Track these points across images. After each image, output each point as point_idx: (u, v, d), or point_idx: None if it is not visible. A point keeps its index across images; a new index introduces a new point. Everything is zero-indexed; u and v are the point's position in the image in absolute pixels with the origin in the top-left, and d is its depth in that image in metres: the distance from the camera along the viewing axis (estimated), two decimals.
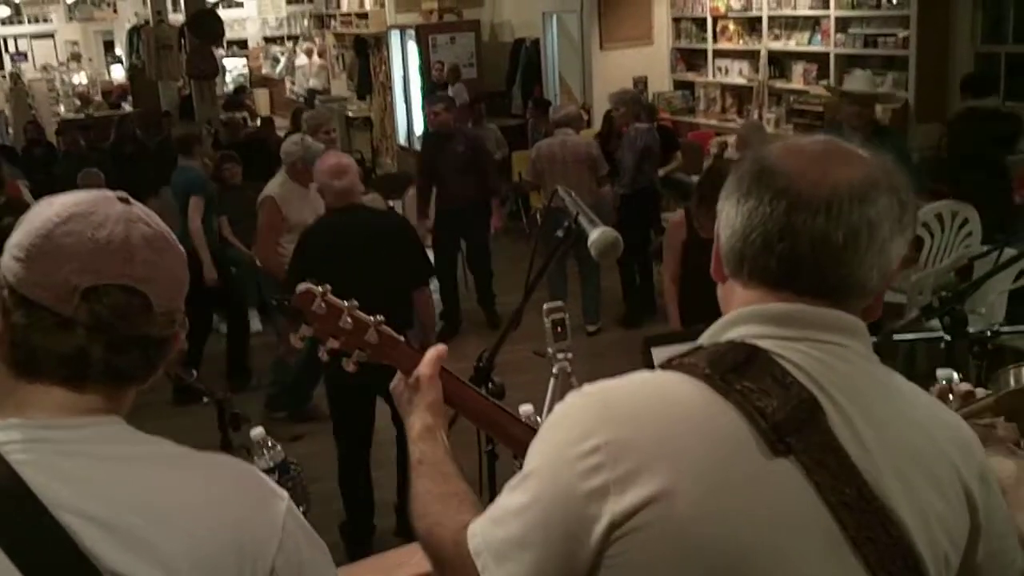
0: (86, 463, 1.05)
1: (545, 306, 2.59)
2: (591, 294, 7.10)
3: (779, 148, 1.13)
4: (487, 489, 2.01)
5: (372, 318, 1.47)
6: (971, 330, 2.47)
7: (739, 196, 1.11)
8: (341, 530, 4.33)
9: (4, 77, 17.81)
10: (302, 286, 1.45)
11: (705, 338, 1.13)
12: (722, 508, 0.99)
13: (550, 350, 2.63)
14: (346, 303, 1.46)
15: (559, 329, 2.59)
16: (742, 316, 1.11)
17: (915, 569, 1.02)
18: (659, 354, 2.38)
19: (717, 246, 1.17)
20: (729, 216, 1.13)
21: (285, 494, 1.13)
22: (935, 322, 2.60)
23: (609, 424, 1.03)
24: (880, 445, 1.05)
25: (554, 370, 2.66)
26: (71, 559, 0.99)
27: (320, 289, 1.44)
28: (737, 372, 1.04)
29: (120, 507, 1.02)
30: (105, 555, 1.00)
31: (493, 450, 2.02)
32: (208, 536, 1.04)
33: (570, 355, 2.66)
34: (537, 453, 1.09)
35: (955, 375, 1.92)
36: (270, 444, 1.99)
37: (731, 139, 8.02)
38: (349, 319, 1.45)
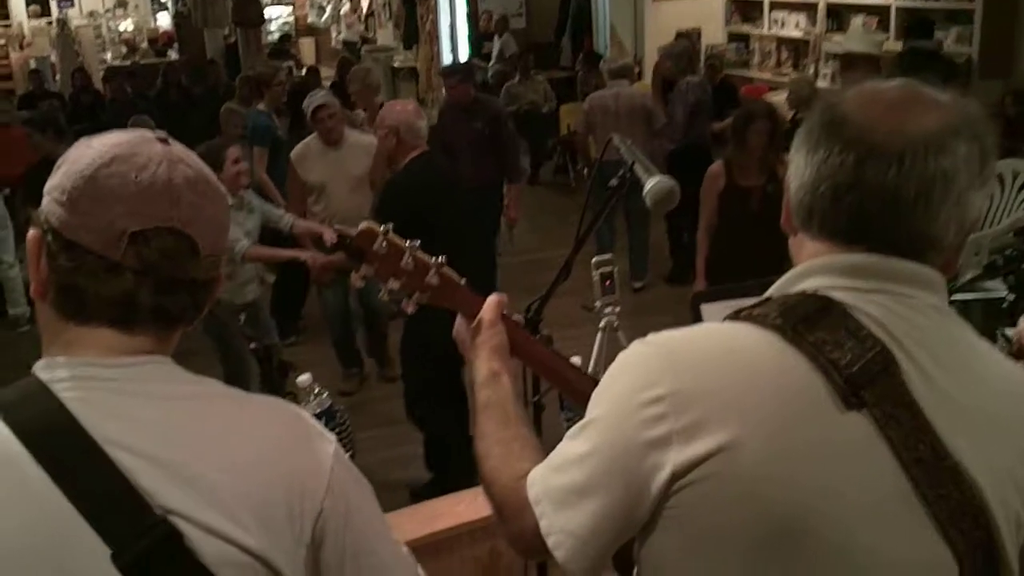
0: (136, 401, 1.04)
1: (594, 259, 2.56)
2: (639, 249, 7.04)
3: (853, 95, 1.08)
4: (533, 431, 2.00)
5: (434, 259, 1.44)
6: None
7: (809, 147, 1.08)
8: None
9: (51, 23, 17.92)
10: (363, 224, 1.42)
11: (774, 290, 1.10)
12: (790, 463, 0.97)
13: (598, 304, 2.61)
14: (408, 243, 1.43)
15: (607, 283, 2.56)
16: (813, 267, 1.07)
17: (985, 528, 1.00)
18: (709, 310, 2.34)
19: (787, 198, 1.12)
20: (799, 167, 1.09)
21: (333, 437, 1.13)
22: (988, 283, 2.54)
23: (674, 374, 1.01)
24: (954, 401, 1.02)
25: (601, 324, 2.64)
26: (124, 494, 0.98)
27: (383, 228, 1.42)
28: (809, 323, 1.01)
29: (171, 445, 1.02)
30: (157, 491, 0.99)
31: (539, 401, 2.00)
32: (258, 475, 1.03)
33: (618, 309, 2.64)
34: (599, 401, 1.08)
35: None
36: (317, 390, 1.99)
37: (782, 96, 7.85)
38: (411, 259, 1.42)
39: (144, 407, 1.04)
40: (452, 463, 4.20)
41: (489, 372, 1.38)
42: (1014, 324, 2.14)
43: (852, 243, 1.05)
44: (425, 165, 4.10)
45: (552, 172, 10.96)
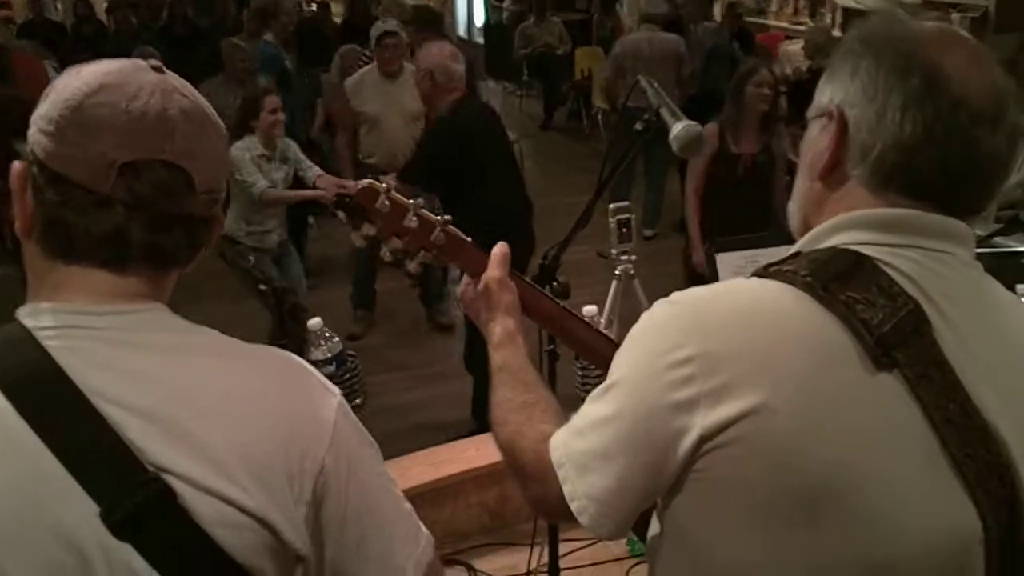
0: (127, 352, 0.99)
1: (611, 206, 2.53)
2: (654, 198, 6.99)
3: (934, 41, 1.02)
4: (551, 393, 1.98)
5: (439, 217, 1.40)
6: None
7: (908, 100, 1.00)
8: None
9: None
10: (364, 182, 1.38)
11: (803, 244, 1.07)
12: (820, 425, 0.95)
13: (614, 251, 2.58)
14: (411, 201, 1.39)
15: (624, 230, 2.54)
16: (845, 222, 1.04)
17: (1011, 485, 0.99)
18: (724, 260, 2.31)
19: (837, 141, 1.06)
20: (891, 118, 1.01)
21: (337, 390, 1.09)
22: (998, 239, 2.51)
23: (702, 334, 0.98)
24: (984, 358, 1.00)
25: (617, 272, 2.62)
26: (114, 450, 0.93)
27: (384, 185, 1.38)
28: (841, 281, 0.98)
29: (164, 399, 0.97)
30: (148, 448, 0.94)
31: (555, 350, 1.97)
32: (256, 430, 0.99)
33: (634, 257, 2.61)
34: (623, 363, 1.05)
35: None
36: (327, 335, 1.96)
37: (798, 45, 7.71)
38: (415, 218, 1.38)
39: (136, 358, 0.99)
40: None
41: (504, 332, 1.35)
42: None
43: (934, 204, 1.02)
44: (474, 106, 4.11)
45: (566, 117, 10.87)
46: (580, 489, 1.04)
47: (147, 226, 1.01)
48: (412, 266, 1.33)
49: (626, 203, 2.56)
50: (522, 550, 2.96)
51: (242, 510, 0.96)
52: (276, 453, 0.99)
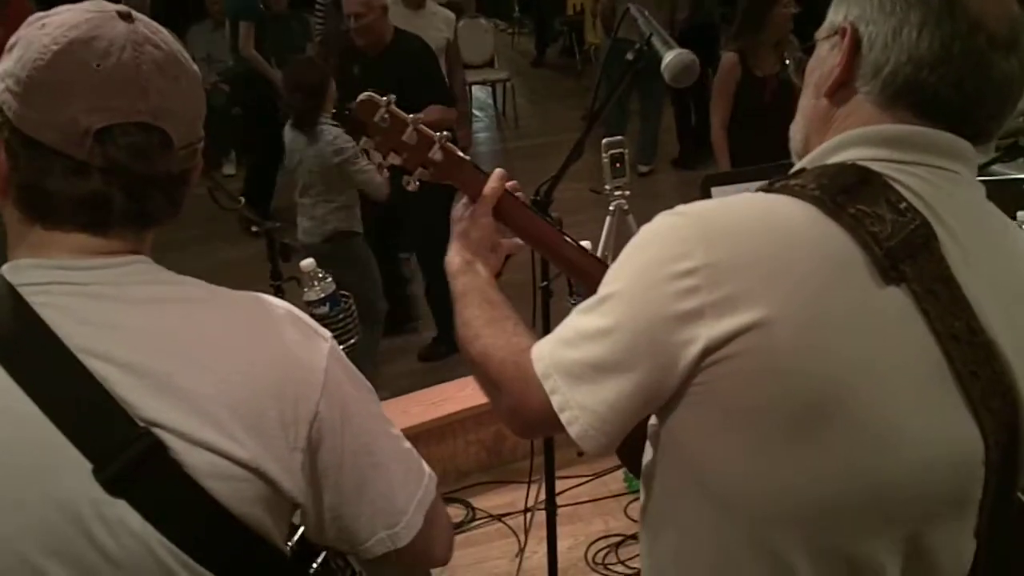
0: (114, 307, 0.97)
1: (604, 141, 2.50)
2: (650, 132, 6.94)
3: None
4: (541, 327, 1.97)
5: (438, 134, 1.38)
6: None
7: (926, 19, 0.99)
8: None
9: None
10: (364, 95, 1.35)
11: (809, 161, 1.06)
12: (825, 339, 0.94)
13: (607, 187, 2.56)
14: (411, 116, 1.36)
15: (617, 165, 2.51)
16: (851, 139, 1.03)
17: (1013, 405, 0.99)
18: (719, 194, 2.29)
19: (849, 57, 1.05)
20: (907, 35, 1.01)
21: (328, 334, 1.06)
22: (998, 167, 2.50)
23: (708, 245, 0.96)
24: (989, 277, 1.00)
25: (611, 207, 2.59)
26: (103, 406, 0.92)
27: (385, 99, 1.35)
28: (849, 195, 0.97)
29: (152, 352, 0.95)
30: (138, 402, 0.93)
31: (548, 286, 1.96)
32: (247, 383, 0.97)
33: (627, 192, 2.59)
34: (621, 274, 1.02)
35: None
36: (321, 275, 1.95)
37: None
38: (414, 133, 1.36)
39: (123, 313, 0.96)
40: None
41: (463, 262, 1.34)
42: None
43: (945, 124, 1.01)
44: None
45: (558, 53, 10.75)
46: (574, 400, 1.02)
47: (127, 191, 0.98)
48: (411, 184, 1.31)
49: (619, 137, 2.52)
50: (520, 488, 2.99)
51: (235, 461, 0.94)
52: (268, 402, 0.97)
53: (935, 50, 0.99)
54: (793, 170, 1.05)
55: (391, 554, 1.06)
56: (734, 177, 2.44)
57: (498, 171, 1.40)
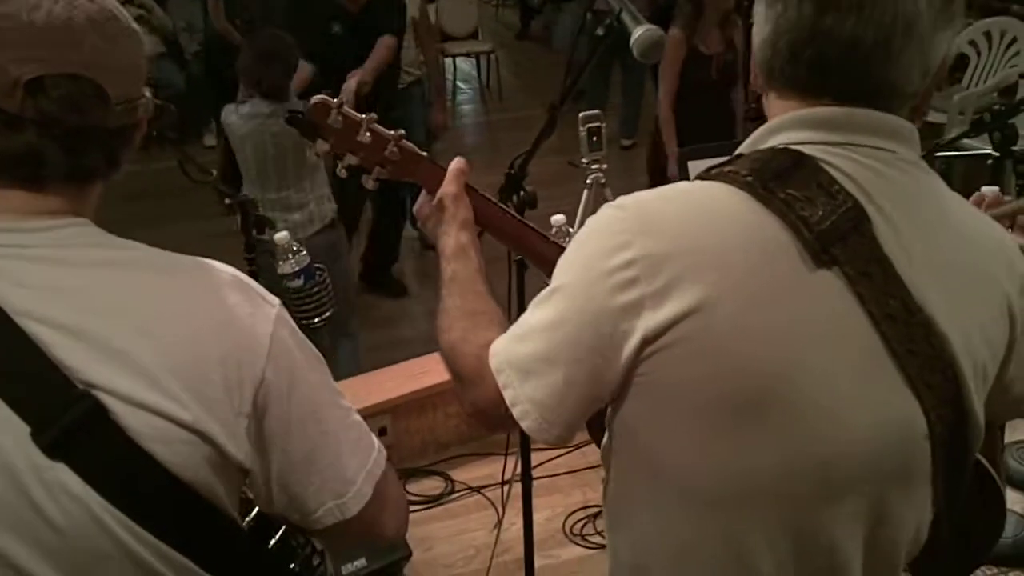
0: (53, 268, 0.96)
1: (581, 114, 2.50)
2: (632, 106, 6.93)
3: None
4: (516, 300, 1.98)
5: (393, 132, 1.38)
6: (1016, 149, 2.38)
7: (768, 1, 1.04)
8: None
9: None
10: (316, 97, 1.36)
11: (746, 146, 1.07)
12: (760, 322, 0.96)
13: (584, 160, 2.56)
14: (364, 116, 1.37)
15: (594, 138, 2.52)
16: (783, 123, 1.04)
17: (954, 381, 1.00)
18: (696, 168, 2.30)
19: (753, 56, 1.09)
20: (759, 22, 1.06)
21: (276, 301, 1.06)
22: (968, 141, 2.51)
23: (644, 236, 0.98)
24: (926, 256, 1.01)
25: (587, 180, 2.60)
26: (41, 371, 0.92)
27: (336, 101, 1.35)
28: (781, 180, 0.98)
29: (93, 315, 0.95)
30: (77, 365, 0.93)
31: (523, 260, 1.97)
32: (190, 347, 0.97)
33: (604, 166, 2.59)
34: (567, 268, 1.05)
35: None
36: (295, 248, 1.94)
37: None
38: (368, 133, 1.37)
39: (63, 276, 0.96)
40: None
41: (457, 246, 1.34)
42: (996, 183, 2.13)
43: (815, 96, 1.02)
44: None
45: (542, 26, 10.68)
46: (523, 393, 1.04)
47: (62, 145, 0.97)
48: (369, 183, 1.31)
49: (596, 111, 2.53)
50: (499, 460, 3.00)
51: (178, 423, 0.95)
52: (211, 365, 0.97)
53: (768, 31, 1.02)
54: (731, 156, 1.06)
55: (341, 525, 1.06)
56: (711, 151, 2.45)
57: (458, 158, 1.41)
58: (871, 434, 0.99)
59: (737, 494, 1.00)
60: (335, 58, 4.21)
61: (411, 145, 1.41)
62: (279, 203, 3.77)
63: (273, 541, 1.15)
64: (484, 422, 1.15)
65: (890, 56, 0.97)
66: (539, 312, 1.05)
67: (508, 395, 1.05)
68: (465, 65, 8.95)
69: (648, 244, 0.97)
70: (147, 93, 1.05)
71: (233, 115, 3.70)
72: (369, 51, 4.23)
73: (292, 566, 1.16)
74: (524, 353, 1.05)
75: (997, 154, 2.33)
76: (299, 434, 1.03)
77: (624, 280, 0.97)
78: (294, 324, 1.07)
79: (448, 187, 1.38)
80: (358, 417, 1.12)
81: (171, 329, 0.97)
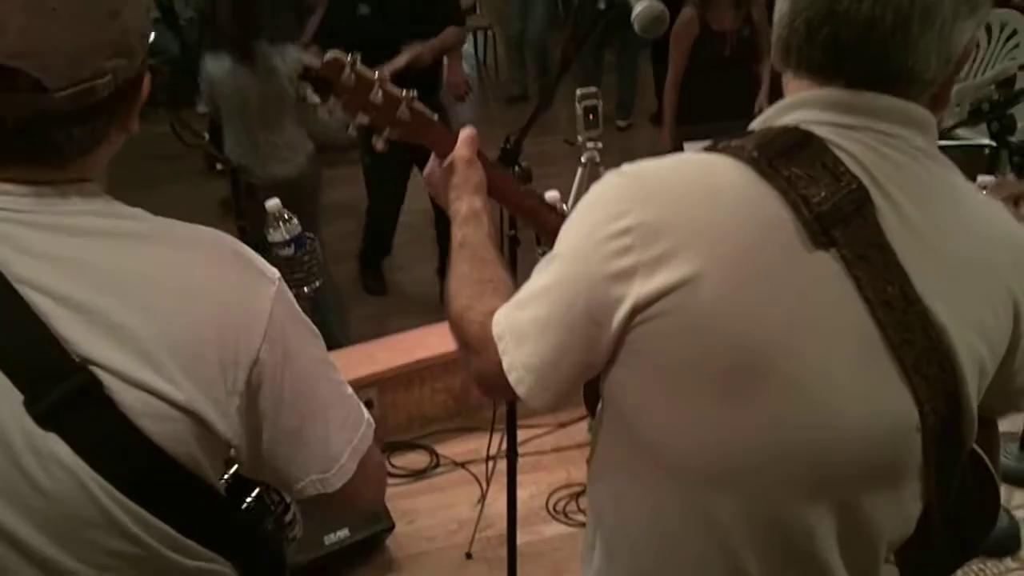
0: (54, 237, 0.93)
1: (578, 91, 2.48)
2: (627, 86, 6.90)
3: None
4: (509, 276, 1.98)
5: (404, 93, 1.37)
6: (1013, 140, 2.38)
7: None
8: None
9: None
10: (330, 54, 1.34)
11: (758, 123, 1.05)
12: (751, 299, 0.95)
13: (580, 138, 2.55)
14: (377, 74, 1.35)
15: (591, 116, 2.50)
16: (797, 102, 1.03)
17: (950, 374, 0.99)
18: (691, 149, 2.29)
19: (772, 33, 1.07)
20: (777, 1, 1.03)
21: (276, 274, 1.04)
22: (963, 132, 2.51)
23: (644, 205, 0.97)
24: (930, 245, 0.99)
25: (583, 159, 2.59)
26: (39, 339, 0.90)
27: (350, 58, 1.33)
28: (786, 157, 0.97)
29: (92, 287, 0.93)
30: (75, 338, 0.91)
31: (516, 235, 1.96)
32: (187, 321, 0.95)
33: (600, 145, 2.58)
34: (567, 234, 1.04)
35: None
36: (286, 216, 1.93)
37: None
38: (380, 93, 1.35)
39: (63, 244, 0.93)
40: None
41: (470, 210, 1.33)
42: (991, 173, 2.12)
43: (829, 78, 1.00)
44: None
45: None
46: (518, 360, 1.04)
47: (15, 130, 0.91)
48: (379, 143, 1.30)
49: (593, 89, 2.51)
50: (484, 436, 3.01)
51: (171, 403, 0.94)
52: (208, 344, 0.96)
53: (787, 6, 1.00)
54: (742, 132, 1.04)
55: (321, 498, 1.07)
56: (710, 132, 2.43)
57: (468, 126, 1.40)
58: (861, 423, 0.97)
59: (714, 471, 1.00)
60: (361, 42, 4.11)
61: (423, 107, 1.39)
62: (261, 147, 3.78)
63: (249, 499, 1.15)
64: (488, 390, 1.14)
65: (908, 41, 0.96)
66: (539, 278, 1.05)
67: (505, 362, 1.05)
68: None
69: (646, 213, 0.96)
70: (118, 64, 0.95)
71: (212, 61, 3.67)
72: (398, 35, 4.09)
73: (266, 523, 1.17)
74: (522, 319, 1.05)
75: (994, 144, 2.33)
76: (289, 411, 1.03)
77: (620, 247, 0.96)
78: (291, 297, 1.06)
79: (461, 151, 1.37)
80: (349, 391, 1.11)
81: (170, 307, 0.95)
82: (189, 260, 0.99)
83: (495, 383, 1.07)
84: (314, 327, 1.08)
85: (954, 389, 0.99)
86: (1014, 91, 2.47)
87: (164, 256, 0.98)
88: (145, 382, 0.92)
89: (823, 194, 0.95)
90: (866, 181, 0.97)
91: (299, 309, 1.06)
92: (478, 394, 3.48)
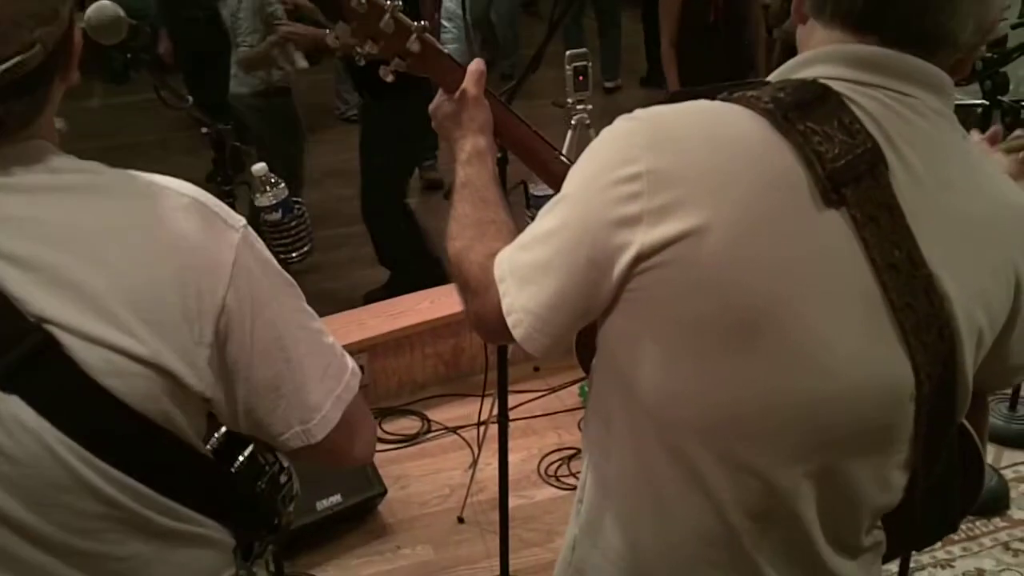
0: (2, 197, 0.91)
1: (568, 53, 2.46)
2: (610, 47, 6.88)
3: None
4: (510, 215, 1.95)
5: (415, 23, 1.33)
6: (1005, 99, 2.37)
7: None
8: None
9: None
10: None
11: (776, 75, 1.03)
12: (757, 252, 0.93)
13: (570, 100, 2.53)
14: (390, 2, 1.31)
15: (580, 78, 2.48)
16: (820, 55, 1.00)
17: (949, 340, 0.98)
18: None
19: None
20: None
21: (241, 221, 1.01)
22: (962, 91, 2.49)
23: (654, 151, 0.95)
24: (940, 210, 0.98)
25: (572, 121, 2.57)
26: None
27: None
28: (801, 111, 0.95)
29: (42, 244, 0.90)
30: (28, 298, 0.88)
31: (504, 156, 1.90)
32: (144, 273, 0.93)
33: (590, 107, 2.56)
34: (576, 176, 1.02)
35: None
36: (273, 181, 1.90)
37: None
38: (391, 20, 1.31)
39: (11, 203, 0.91)
40: (399, 266, 4.17)
41: (474, 149, 1.30)
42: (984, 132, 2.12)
43: (865, 31, 0.98)
44: None
45: None
46: (518, 302, 1.02)
47: None
48: (387, 75, 1.27)
49: (583, 50, 2.49)
50: (475, 401, 3.02)
51: (133, 358, 0.91)
52: (168, 295, 0.93)
53: None
54: (759, 81, 1.02)
55: (307, 450, 1.05)
56: (702, 94, 2.42)
57: (477, 59, 1.36)
58: (857, 385, 0.96)
59: (705, 424, 0.99)
60: None
61: (433, 39, 1.35)
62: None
63: (241, 459, 1.13)
64: (485, 333, 1.13)
65: (953, 2, 0.94)
66: (544, 221, 1.03)
67: (505, 304, 1.03)
68: (450, 3, 8.78)
69: (656, 160, 0.94)
70: (44, 32, 0.91)
71: None
72: None
73: (259, 484, 1.15)
74: (525, 261, 1.03)
75: (987, 103, 2.32)
76: (263, 362, 1.00)
77: (627, 193, 0.94)
78: (261, 245, 1.03)
79: (469, 87, 1.33)
80: (331, 340, 1.08)
81: (125, 258, 0.92)
82: (145, 210, 0.96)
83: (494, 326, 1.05)
84: (287, 275, 1.04)
85: (951, 357, 0.98)
86: (1006, 49, 2.45)
87: (118, 207, 0.95)
88: (104, 338, 0.90)
89: (837, 151, 0.93)
90: (880, 140, 0.95)
91: (270, 257, 1.03)
92: (469, 359, 3.50)
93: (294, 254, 1.89)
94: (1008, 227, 1.02)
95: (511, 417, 2.39)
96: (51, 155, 0.95)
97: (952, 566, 2.59)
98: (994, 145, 1.60)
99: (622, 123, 0.99)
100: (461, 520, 2.78)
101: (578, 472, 2.82)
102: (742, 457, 0.99)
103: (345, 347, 1.10)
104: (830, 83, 0.97)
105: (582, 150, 1.05)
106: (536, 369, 3.35)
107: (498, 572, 2.42)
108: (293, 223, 1.89)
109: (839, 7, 0.98)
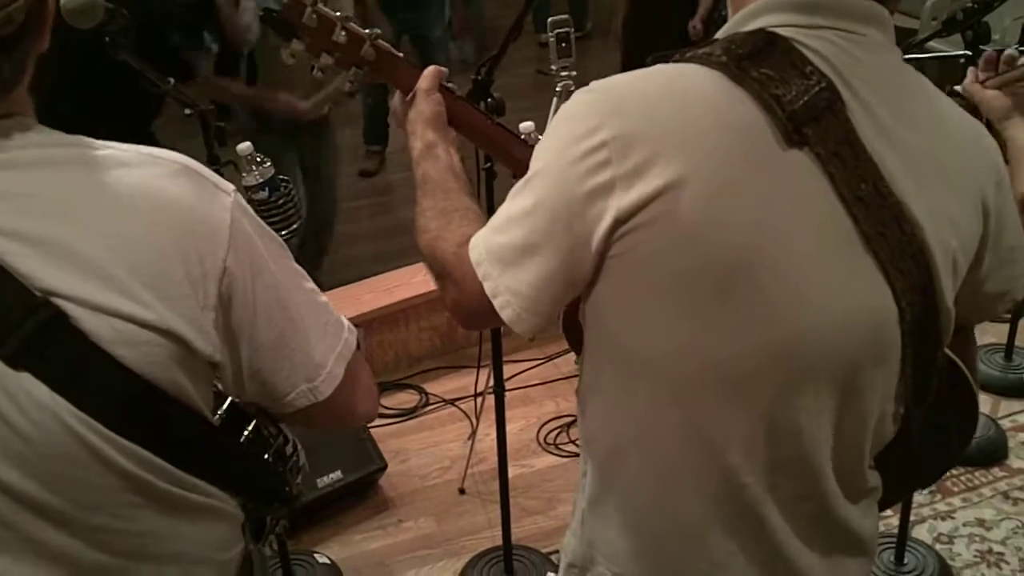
0: None
1: (550, 19, 2.44)
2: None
3: None
4: (485, 208, 1.96)
5: (367, 31, 1.34)
6: (988, 48, 2.36)
7: None
8: None
9: None
10: None
11: (723, 32, 1.04)
12: (732, 201, 0.94)
13: (554, 67, 2.51)
14: (338, 14, 1.32)
15: (563, 44, 2.46)
16: (764, 6, 1.02)
17: (925, 267, 1.00)
18: None
19: None
20: None
21: (230, 187, 1.02)
22: (937, 44, 2.49)
23: (617, 117, 0.96)
24: (900, 141, 1.00)
25: (557, 88, 2.55)
26: None
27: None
28: (754, 59, 0.96)
29: (44, 220, 0.90)
30: (34, 273, 0.89)
31: (492, 167, 1.94)
32: (145, 240, 0.93)
33: (574, 73, 2.54)
34: (542, 154, 1.02)
35: None
36: (259, 159, 1.90)
37: None
38: (343, 32, 1.32)
39: (8, 180, 0.91)
40: None
41: (424, 145, 1.31)
42: None
43: None
44: None
45: None
46: (502, 284, 1.02)
47: None
48: (345, 85, 1.28)
49: (565, 16, 2.47)
50: (471, 373, 3.02)
51: (142, 324, 0.92)
52: (172, 260, 0.94)
53: None
54: (708, 40, 1.03)
55: (314, 408, 1.06)
56: (677, 57, 2.42)
57: (433, 66, 1.37)
58: (842, 319, 0.98)
59: (702, 379, 1.00)
60: None
61: (386, 45, 1.36)
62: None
63: (246, 432, 1.14)
64: (465, 319, 1.13)
65: None
66: (516, 201, 1.03)
67: (488, 287, 1.03)
68: None
69: (619, 125, 0.95)
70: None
71: None
72: None
73: (265, 456, 1.16)
74: (502, 243, 1.03)
75: (970, 53, 2.30)
76: (265, 321, 1.01)
77: (596, 163, 0.95)
78: (251, 211, 1.03)
79: (421, 83, 1.34)
80: (324, 299, 1.09)
81: (124, 226, 0.93)
82: (139, 178, 0.96)
83: (475, 311, 1.06)
84: (278, 237, 1.06)
85: (930, 284, 1.00)
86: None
87: (113, 177, 0.95)
88: (112, 306, 0.90)
89: (794, 93, 0.95)
90: (834, 79, 0.97)
91: (261, 221, 1.04)
92: (464, 331, 3.50)
93: (283, 232, 1.89)
94: (970, 153, 1.05)
95: (508, 387, 2.40)
96: (42, 131, 0.95)
97: (952, 517, 2.61)
98: (991, 68, 1.61)
99: (580, 95, 1.00)
100: (462, 491, 2.79)
101: (577, 439, 2.84)
102: (742, 405, 1.00)
103: None
104: (778, 30, 0.98)
105: None
106: (531, 339, 3.36)
107: (500, 542, 2.43)
108: (281, 200, 1.89)
109: None
